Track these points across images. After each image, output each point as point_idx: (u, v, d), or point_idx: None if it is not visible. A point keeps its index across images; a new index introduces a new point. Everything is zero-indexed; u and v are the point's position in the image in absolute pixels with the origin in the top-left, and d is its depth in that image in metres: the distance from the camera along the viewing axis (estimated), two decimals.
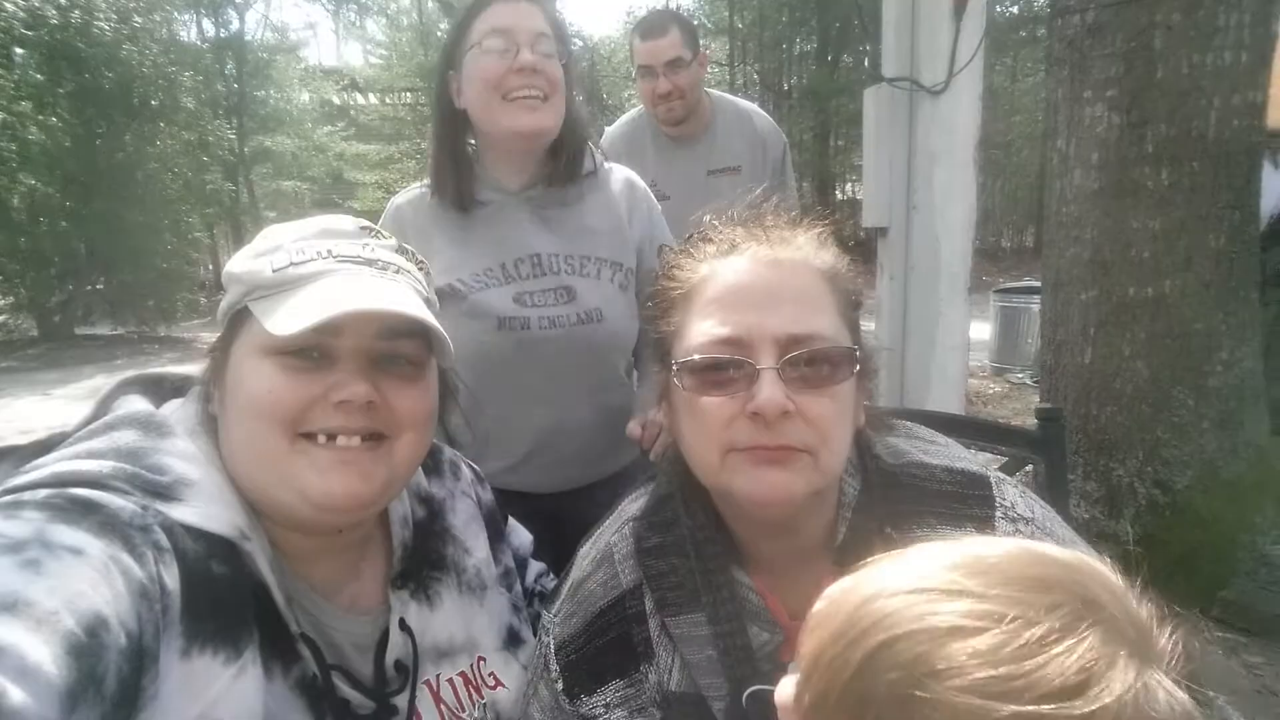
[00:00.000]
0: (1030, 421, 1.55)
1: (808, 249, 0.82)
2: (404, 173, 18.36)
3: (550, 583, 1.20)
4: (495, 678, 0.98)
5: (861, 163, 3.34)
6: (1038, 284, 5.20)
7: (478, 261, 1.48)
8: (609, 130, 2.92)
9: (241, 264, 0.84)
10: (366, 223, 0.92)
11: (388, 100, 23.34)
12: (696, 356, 0.77)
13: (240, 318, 0.84)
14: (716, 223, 0.86)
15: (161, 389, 0.90)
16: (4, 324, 13.80)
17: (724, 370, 0.76)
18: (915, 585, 0.48)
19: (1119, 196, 3.21)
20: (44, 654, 0.53)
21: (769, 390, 0.72)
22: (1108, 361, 3.30)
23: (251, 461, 0.80)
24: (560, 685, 0.86)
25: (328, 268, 0.82)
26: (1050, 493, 1.33)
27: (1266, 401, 3.32)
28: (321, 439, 0.79)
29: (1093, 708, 0.40)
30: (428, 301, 0.89)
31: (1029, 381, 6.46)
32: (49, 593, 0.57)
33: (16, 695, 0.50)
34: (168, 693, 0.65)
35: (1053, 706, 0.40)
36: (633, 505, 0.93)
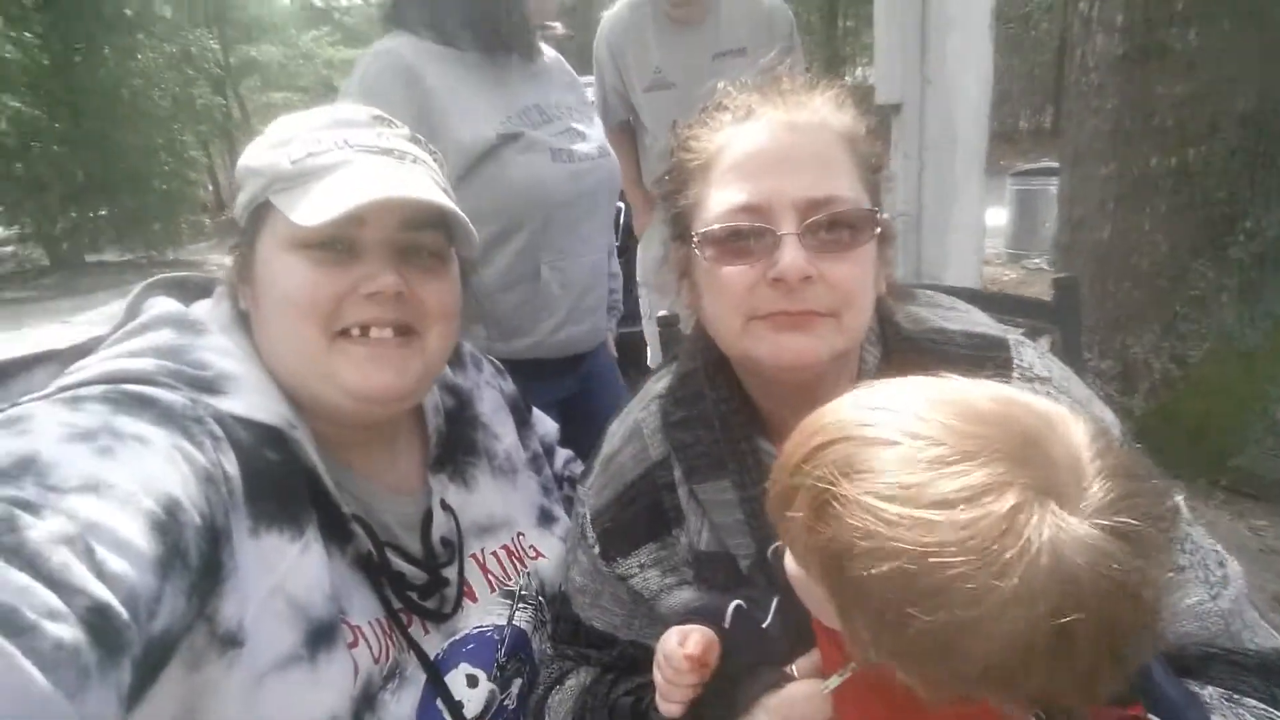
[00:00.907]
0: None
1: (825, 111, 0.80)
2: None
3: (578, 468, 1.24)
4: (535, 549, 1.04)
5: (872, 41, 3.16)
6: (1055, 165, 5.03)
7: (507, 108, 1.52)
8: (608, 14, 2.77)
9: (257, 157, 0.84)
10: (378, 112, 0.91)
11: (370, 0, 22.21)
12: (717, 226, 0.77)
13: (262, 212, 0.84)
14: (732, 90, 0.84)
15: (187, 290, 0.91)
16: (14, 255, 13.84)
17: (744, 239, 0.76)
18: (873, 404, 0.53)
19: (1143, 61, 3.06)
20: (133, 529, 0.58)
21: (790, 255, 0.72)
22: (1126, 236, 3.23)
23: (292, 357, 0.83)
24: (597, 550, 0.91)
25: (346, 157, 0.82)
26: (1066, 361, 1.35)
27: None
28: (355, 332, 0.82)
29: (968, 516, 0.44)
30: (445, 191, 0.89)
31: (1045, 266, 6.35)
32: (126, 477, 0.61)
33: (118, 563, 0.55)
34: (245, 567, 0.70)
35: (935, 513, 0.44)
36: (657, 384, 0.95)
